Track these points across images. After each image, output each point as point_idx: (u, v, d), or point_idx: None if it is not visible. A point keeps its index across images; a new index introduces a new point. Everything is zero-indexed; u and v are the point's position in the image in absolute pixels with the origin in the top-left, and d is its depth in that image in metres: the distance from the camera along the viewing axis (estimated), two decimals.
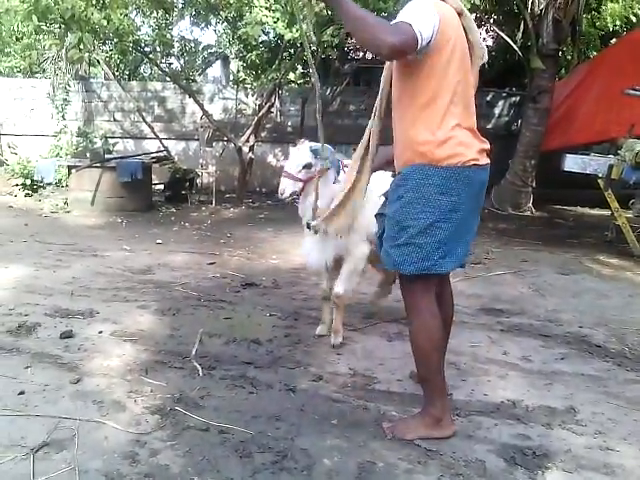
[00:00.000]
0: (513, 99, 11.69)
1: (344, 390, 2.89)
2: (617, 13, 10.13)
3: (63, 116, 10.89)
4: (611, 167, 6.08)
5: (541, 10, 8.83)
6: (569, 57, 10.90)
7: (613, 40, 11.09)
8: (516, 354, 3.41)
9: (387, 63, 2.45)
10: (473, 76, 2.35)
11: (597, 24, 10.83)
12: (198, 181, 10.01)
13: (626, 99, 7.03)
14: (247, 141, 9.40)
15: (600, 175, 6.24)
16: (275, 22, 7.55)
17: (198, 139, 10.02)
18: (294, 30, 7.43)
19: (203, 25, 12.09)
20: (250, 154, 9.55)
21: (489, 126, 11.73)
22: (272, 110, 9.61)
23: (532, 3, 8.84)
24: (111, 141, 10.36)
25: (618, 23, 10.29)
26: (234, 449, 2.33)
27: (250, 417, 2.59)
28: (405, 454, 2.33)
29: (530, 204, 9.38)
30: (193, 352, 3.23)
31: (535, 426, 2.59)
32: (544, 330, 3.83)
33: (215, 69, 15.53)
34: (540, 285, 4.97)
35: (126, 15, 8.78)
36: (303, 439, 2.43)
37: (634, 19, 10.31)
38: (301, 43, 8.05)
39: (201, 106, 9.54)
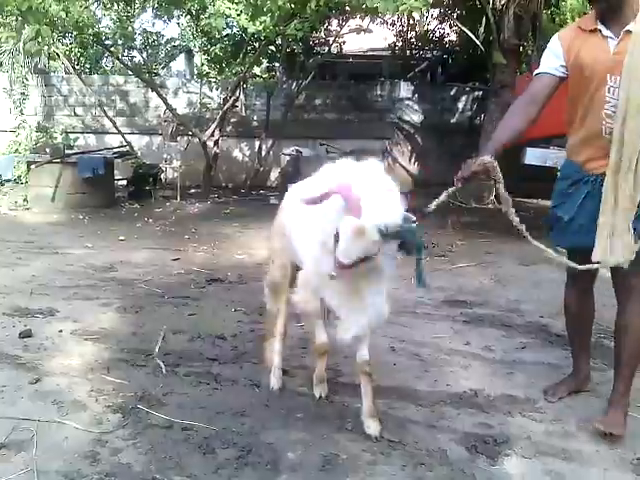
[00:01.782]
0: (476, 93, 11.86)
1: (309, 383, 2.89)
2: (576, 9, 10.33)
3: (21, 111, 10.61)
4: None
5: (503, 5, 8.96)
6: (530, 52, 11.07)
7: None
8: (478, 344, 3.47)
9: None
10: None
11: (556, 20, 11.03)
12: (162, 176, 9.90)
13: None
14: (212, 135, 9.32)
15: (559, 167, 6.37)
16: (238, 15, 7.48)
17: (162, 134, 9.89)
18: (257, 23, 7.37)
19: (166, 18, 11.89)
20: (215, 149, 9.48)
21: (453, 120, 11.90)
22: (237, 104, 9.56)
23: None
24: (72, 136, 10.16)
25: (577, 19, 10.50)
26: (197, 445, 2.32)
27: (214, 413, 2.57)
28: (368, 446, 2.35)
29: (492, 197, 9.52)
30: (156, 349, 3.20)
31: (496, 414, 2.64)
32: (506, 320, 3.90)
33: (179, 63, 15.30)
34: (502, 276, 5.06)
35: (86, 7, 8.57)
36: (268, 433, 2.43)
37: None
38: (265, 36, 8.01)
39: (164, 100, 9.41)
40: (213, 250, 5.81)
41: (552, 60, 2.51)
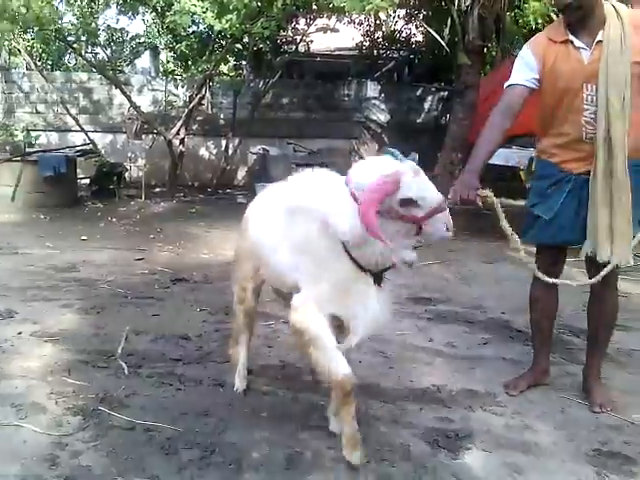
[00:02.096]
0: (442, 94, 12.00)
1: (274, 382, 2.90)
2: (538, 11, 10.52)
3: None
4: (532, 160, 6.35)
5: (467, 7, 9.07)
6: (494, 53, 11.25)
7: None
8: (441, 341, 3.52)
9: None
10: None
11: (520, 21, 11.22)
12: (126, 175, 9.74)
13: None
14: (177, 134, 9.23)
15: (521, 167, 6.52)
16: (204, 12, 7.41)
17: (126, 132, 9.75)
18: (224, 21, 7.32)
19: (130, 14, 11.70)
20: (181, 147, 9.38)
21: (419, 120, 12.02)
22: (203, 102, 9.47)
23: None
24: (33, 134, 9.94)
25: (540, 21, 10.67)
26: (160, 447, 2.30)
27: (178, 414, 2.55)
28: (333, 442, 2.35)
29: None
30: (118, 350, 3.15)
31: (458, 409, 2.68)
32: (468, 317, 3.96)
33: (144, 60, 15.11)
34: (465, 274, 5.14)
35: (48, 2, 8.38)
36: (231, 433, 2.42)
37: (555, 17, 10.76)
38: (231, 34, 7.95)
39: (128, 97, 9.28)
40: (178, 250, 5.75)
41: (526, 72, 2.58)
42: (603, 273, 2.46)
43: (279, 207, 2.31)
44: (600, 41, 2.42)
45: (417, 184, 1.94)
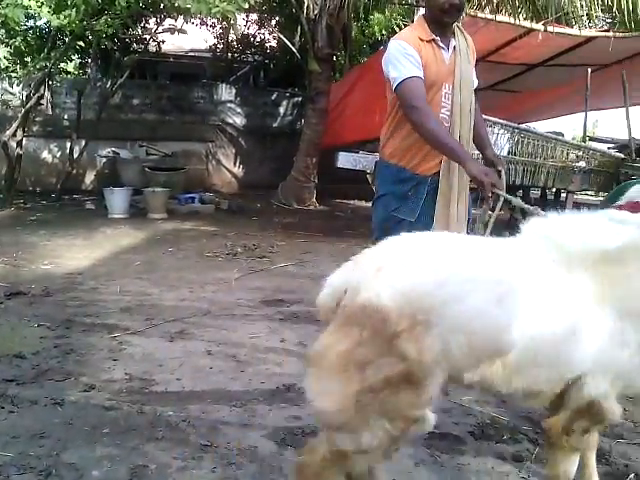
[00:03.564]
0: (296, 99, 12.27)
1: (118, 397, 2.77)
2: (382, 23, 11.16)
3: None
4: (377, 164, 6.71)
5: (315, 15, 9.37)
6: (342, 61, 11.73)
7: (381, 48, 12.21)
8: (293, 340, 3.59)
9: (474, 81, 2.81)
10: None
11: (366, 32, 11.83)
12: None
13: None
14: (14, 135, 8.51)
15: (368, 171, 6.86)
16: (40, 6, 6.92)
17: None
18: (62, 17, 6.88)
19: None
20: (18, 149, 8.67)
21: (275, 124, 12.19)
22: (42, 102, 8.82)
23: (307, 8, 9.33)
24: None
25: (384, 32, 11.34)
26: None
27: (9, 438, 2.36)
28: (179, 452, 2.31)
29: (314, 199, 9.92)
30: None
31: (305, 407, 2.74)
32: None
33: None
34: (318, 274, 5.27)
35: None
36: (70, 453, 2.28)
37: (397, 29, 11.47)
38: (71, 31, 7.51)
39: None
40: (14, 261, 5.29)
41: (416, 66, 2.58)
42: None
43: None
44: (454, 47, 2.69)
45: None
